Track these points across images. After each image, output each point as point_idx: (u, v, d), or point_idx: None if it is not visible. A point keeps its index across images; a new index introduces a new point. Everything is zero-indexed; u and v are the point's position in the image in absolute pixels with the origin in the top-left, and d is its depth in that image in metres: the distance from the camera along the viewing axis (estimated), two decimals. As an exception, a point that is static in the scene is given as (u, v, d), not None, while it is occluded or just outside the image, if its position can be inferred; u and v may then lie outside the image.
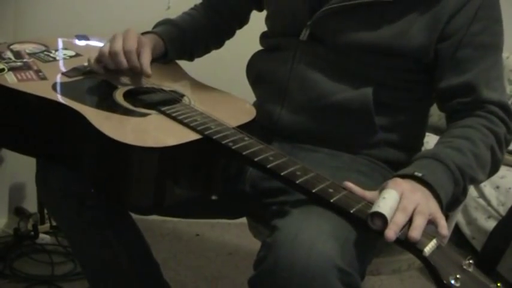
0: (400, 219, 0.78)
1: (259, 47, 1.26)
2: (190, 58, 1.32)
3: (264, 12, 1.27)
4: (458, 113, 1.05)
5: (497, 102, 1.03)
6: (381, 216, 0.77)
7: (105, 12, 1.93)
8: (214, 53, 1.39)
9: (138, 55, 1.10)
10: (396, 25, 1.02)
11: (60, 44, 1.29)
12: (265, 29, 1.25)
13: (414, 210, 0.80)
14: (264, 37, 1.25)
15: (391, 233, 0.76)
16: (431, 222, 0.81)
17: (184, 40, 1.27)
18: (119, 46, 1.08)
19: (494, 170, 1.03)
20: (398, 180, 0.87)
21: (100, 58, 1.10)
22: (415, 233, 0.77)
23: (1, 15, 1.80)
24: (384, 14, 1.03)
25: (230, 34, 1.38)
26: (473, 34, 1.02)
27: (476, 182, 1.00)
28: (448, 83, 1.04)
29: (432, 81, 1.07)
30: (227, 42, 1.39)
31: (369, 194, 0.85)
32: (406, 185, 0.86)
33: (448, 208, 0.92)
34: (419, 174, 0.88)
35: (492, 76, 1.04)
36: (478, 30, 1.02)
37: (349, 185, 0.85)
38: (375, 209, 0.78)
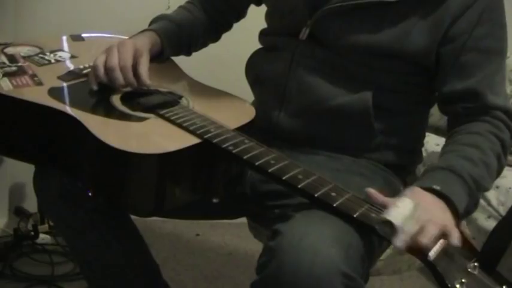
0: (412, 229, 0.78)
1: (258, 46, 1.24)
2: (188, 53, 1.30)
3: (264, 9, 1.25)
4: (462, 116, 1.04)
5: (502, 108, 1.02)
6: (390, 224, 0.77)
7: (105, 12, 1.93)
8: (212, 52, 1.38)
9: (135, 67, 1.08)
10: (397, 27, 1.01)
11: (55, 46, 1.26)
12: (264, 26, 1.23)
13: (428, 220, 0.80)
14: (263, 34, 1.23)
15: (401, 242, 0.77)
16: (444, 234, 0.80)
17: (182, 35, 1.25)
18: (114, 62, 1.06)
19: (498, 175, 1.02)
20: (417, 189, 0.87)
21: (95, 72, 1.07)
22: (425, 239, 0.76)
23: (1, 16, 1.79)
24: (385, 16, 1.02)
25: (227, 27, 1.37)
26: (477, 38, 1.01)
27: (486, 191, 1.00)
28: (452, 87, 1.03)
29: (435, 84, 1.07)
30: (226, 41, 1.38)
31: (390, 201, 0.83)
32: (426, 197, 0.86)
33: None
34: (438, 188, 0.87)
35: (496, 81, 1.03)
36: (482, 35, 1.01)
37: (371, 192, 0.85)
38: (387, 217, 0.78)
